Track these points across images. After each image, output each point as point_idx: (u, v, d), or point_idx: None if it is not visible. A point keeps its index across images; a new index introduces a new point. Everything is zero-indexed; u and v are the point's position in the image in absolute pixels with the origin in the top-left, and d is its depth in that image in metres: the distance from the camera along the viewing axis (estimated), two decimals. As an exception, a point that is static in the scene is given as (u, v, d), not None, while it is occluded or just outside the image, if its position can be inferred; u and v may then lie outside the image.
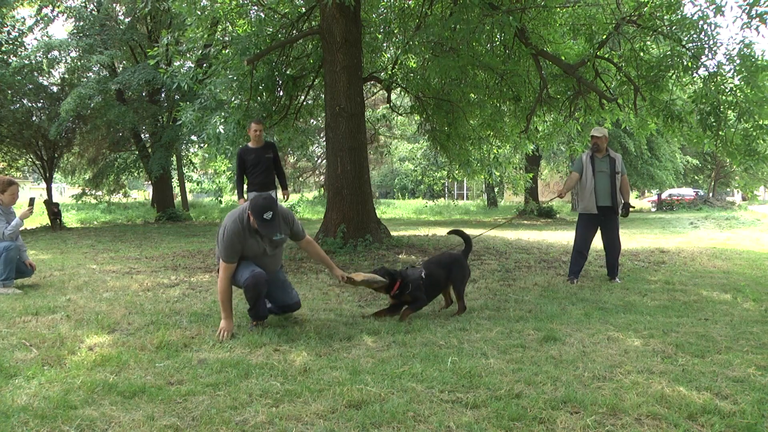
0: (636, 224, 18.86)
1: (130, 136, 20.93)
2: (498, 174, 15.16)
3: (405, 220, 23.85)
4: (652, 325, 4.78)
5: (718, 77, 7.70)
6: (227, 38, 11.36)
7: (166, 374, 3.51)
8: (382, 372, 3.54)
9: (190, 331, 4.49)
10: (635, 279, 7.24)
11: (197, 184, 23.07)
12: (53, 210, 16.08)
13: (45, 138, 18.84)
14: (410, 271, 5.11)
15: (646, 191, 41.09)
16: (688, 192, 36.61)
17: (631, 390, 3.24)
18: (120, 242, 12.16)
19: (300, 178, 46.03)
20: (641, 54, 8.38)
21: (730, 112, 7.84)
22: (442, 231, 14.40)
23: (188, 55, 13.42)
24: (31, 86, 17.75)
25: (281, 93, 11.28)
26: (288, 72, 11.02)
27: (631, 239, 12.51)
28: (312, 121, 19.44)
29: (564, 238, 12.75)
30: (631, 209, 7.17)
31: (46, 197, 18.54)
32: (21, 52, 17.52)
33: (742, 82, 7.45)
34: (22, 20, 18.60)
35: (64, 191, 42.97)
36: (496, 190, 35.53)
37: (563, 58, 9.18)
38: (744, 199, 43.98)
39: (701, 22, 7.43)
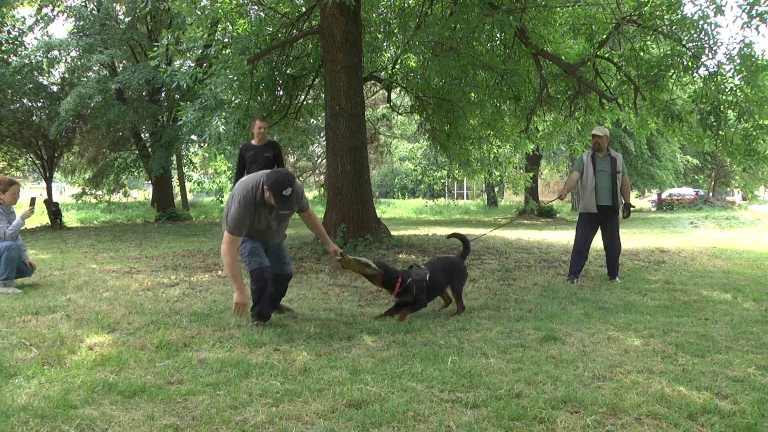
0: (636, 224, 18.86)
1: (130, 136, 20.94)
2: (498, 174, 15.16)
3: (405, 219, 23.86)
4: (652, 325, 4.78)
5: (719, 77, 7.70)
6: (227, 38, 11.36)
7: (166, 374, 3.51)
8: (382, 371, 3.54)
9: (190, 330, 4.49)
10: (635, 279, 7.24)
11: (197, 184, 23.07)
12: (53, 209, 16.09)
13: (45, 137, 18.85)
14: (415, 270, 5.06)
15: (646, 191, 41.08)
16: (688, 192, 36.58)
17: (631, 390, 3.24)
18: (120, 242, 12.16)
19: (300, 178, 46.08)
20: (641, 53, 8.38)
21: (730, 111, 7.83)
22: (442, 231, 14.41)
23: (188, 55, 13.42)
24: (31, 86, 17.74)
25: (281, 92, 11.28)
26: (288, 71, 11.02)
27: (631, 239, 12.52)
28: (312, 120, 19.43)
29: (564, 237, 12.75)
30: (632, 209, 7.16)
31: (46, 197, 18.54)
32: (21, 51, 17.52)
33: (743, 82, 7.45)
34: (22, 20, 18.61)
35: (64, 191, 42.95)
36: (496, 189, 35.55)
37: (563, 57, 9.18)
38: (744, 198, 43.94)
39: (701, 22, 7.43)
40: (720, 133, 7.91)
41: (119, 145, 22.01)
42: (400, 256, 8.81)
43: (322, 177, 39.70)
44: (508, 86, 10.00)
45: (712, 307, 5.58)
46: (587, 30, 8.89)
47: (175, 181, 25.24)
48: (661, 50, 8.68)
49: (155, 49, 9.84)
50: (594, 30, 8.79)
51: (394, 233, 11.14)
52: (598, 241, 7.21)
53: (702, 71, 7.94)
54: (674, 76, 8.17)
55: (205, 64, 11.18)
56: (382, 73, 12.44)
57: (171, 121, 18.36)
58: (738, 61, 7.37)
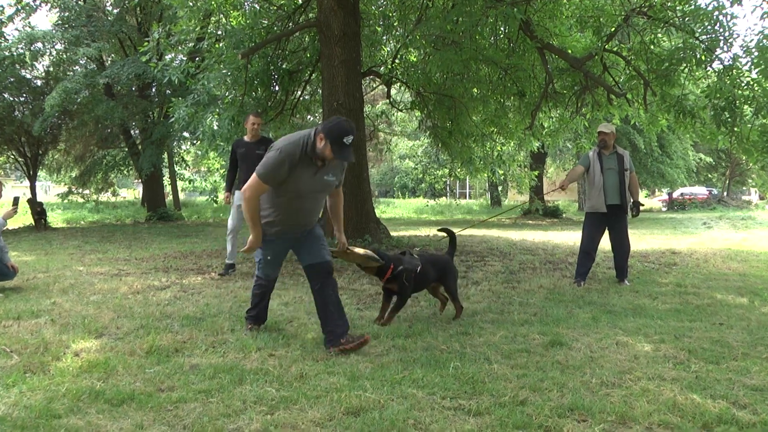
0: (646, 224, 18.87)
1: (120, 133, 20.92)
2: (501, 172, 15.17)
3: (405, 219, 23.87)
4: (664, 330, 4.77)
5: (734, 70, 7.63)
6: (221, 31, 11.35)
7: (156, 380, 3.50)
8: (382, 377, 3.53)
9: (181, 335, 4.48)
10: (645, 281, 7.24)
11: (189, 183, 23.06)
12: (37, 209, 16.07)
13: (28, 134, 18.75)
14: (407, 258, 4.95)
15: (656, 190, 41.09)
16: (700, 191, 36.56)
17: (642, 397, 3.23)
18: (108, 243, 12.15)
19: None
20: (652, 47, 8.37)
21: (746, 106, 7.78)
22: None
23: (180, 48, 13.42)
24: (12, 79, 17.62)
25: (277, 88, 11.27)
26: (284, 66, 11.01)
27: (640, 240, 12.52)
28: (309, 117, 19.41)
29: (570, 238, 12.75)
30: (641, 207, 7.15)
31: (29, 196, 18.52)
32: (1, 42, 17.42)
33: (760, 76, 7.38)
34: (1, 9, 18.45)
35: (49, 190, 42.95)
36: (499, 188, 35.53)
37: (570, 51, 9.18)
38: (761, 198, 44.03)
39: (716, 13, 7.37)
40: (735, 129, 7.87)
41: (108, 142, 21.99)
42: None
43: (319, 176, 39.59)
44: (512, 81, 9.99)
45: (726, 311, 5.57)
46: (595, 23, 8.87)
47: (166, 180, 25.24)
48: (673, 43, 8.66)
49: (146, 42, 9.85)
50: (602, 22, 8.77)
51: (393, 234, 11.14)
52: (606, 243, 7.21)
53: (716, 65, 7.90)
54: (686, 70, 8.15)
55: (197, 59, 11.17)
56: (382, 68, 12.43)
57: (162, 117, 18.34)
58: (756, 53, 7.27)
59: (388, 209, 29.95)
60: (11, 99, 18.70)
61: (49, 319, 4.95)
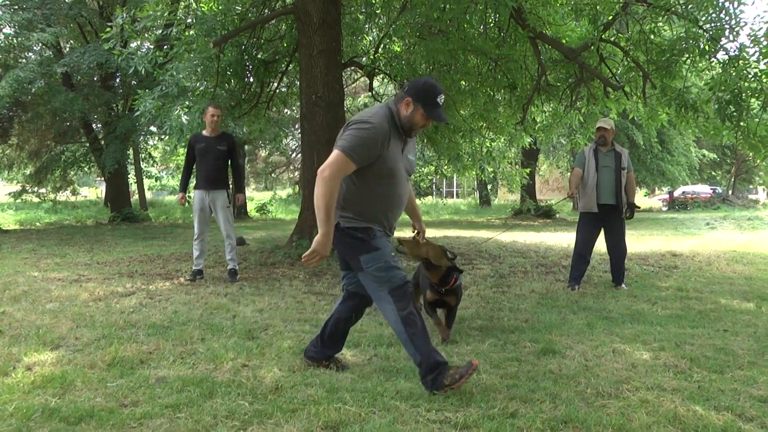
0: (645, 225, 19.03)
1: (80, 127, 20.67)
2: (491, 170, 15.19)
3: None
4: (663, 337, 4.81)
5: (740, 61, 7.59)
6: (191, 17, 11.28)
7: (118, 395, 3.46)
8: (363, 389, 3.53)
9: (147, 345, 4.44)
10: (644, 285, 7.30)
11: (157, 181, 22.88)
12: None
13: (-26, 128, 18.48)
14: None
15: (656, 189, 41.45)
16: (703, 189, 36.85)
17: (640, 409, 3.25)
18: (67, 246, 12.03)
19: (273, 174, 45.90)
20: (651, 36, 8.41)
21: (753, 100, 7.76)
22: (430, 232, 14.40)
23: (146, 36, 13.30)
24: (-48, 67, 17.36)
25: (251, 79, 11.23)
26: (259, 56, 10.98)
27: (639, 241, 12.62)
28: (286, 110, 19.39)
29: (564, 240, 12.84)
30: (637, 210, 7.19)
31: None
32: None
33: (768, 67, 7.43)
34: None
35: (0, 188, 42.36)
36: (489, 187, 35.69)
37: (564, 41, 9.24)
38: (769, 196, 44.51)
39: (722, 0, 7.40)
40: (741, 124, 7.89)
41: (66, 136, 21.71)
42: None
43: (297, 173, 39.61)
44: (503, 73, 10.03)
45: (731, 317, 5.62)
46: (591, 11, 8.90)
47: (131, 178, 25.05)
48: (675, 32, 8.70)
49: (108, 29, 9.73)
50: (598, 11, 8.80)
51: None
52: (601, 244, 7.25)
53: (721, 55, 7.89)
54: (689, 61, 8.17)
55: (165, 47, 11.07)
56: (364, 58, 12.43)
57: (127, 110, 18.15)
58: (765, 42, 7.27)
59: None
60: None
61: None
